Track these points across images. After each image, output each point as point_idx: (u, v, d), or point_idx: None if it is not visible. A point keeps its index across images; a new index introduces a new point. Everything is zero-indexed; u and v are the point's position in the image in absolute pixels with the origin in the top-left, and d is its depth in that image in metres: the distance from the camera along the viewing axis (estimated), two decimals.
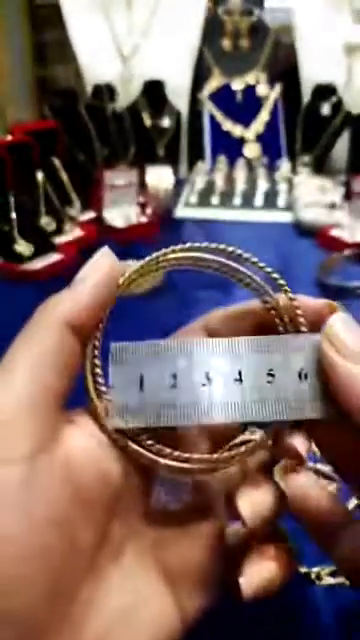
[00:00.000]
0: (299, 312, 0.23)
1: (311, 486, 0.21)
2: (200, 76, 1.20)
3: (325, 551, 0.22)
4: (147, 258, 0.23)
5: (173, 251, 0.24)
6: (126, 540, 0.22)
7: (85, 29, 1.16)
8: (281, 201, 1.00)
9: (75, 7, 1.16)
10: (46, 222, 0.79)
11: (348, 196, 0.89)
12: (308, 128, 1.13)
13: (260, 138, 1.17)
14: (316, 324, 0.23)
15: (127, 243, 0.82)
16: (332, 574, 0.32)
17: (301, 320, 0.23)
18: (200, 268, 0.24)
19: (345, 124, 1.10)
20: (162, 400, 0.21)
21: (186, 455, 0.22)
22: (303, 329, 0.23)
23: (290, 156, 1.14)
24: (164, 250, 0.23)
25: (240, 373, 0.22)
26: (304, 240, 0.85)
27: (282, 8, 1.24)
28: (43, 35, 1.42)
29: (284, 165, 1.09)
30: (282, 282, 0.23)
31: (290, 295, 0.23)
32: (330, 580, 0.32)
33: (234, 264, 0.24)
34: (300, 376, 0.22)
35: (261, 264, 0.23)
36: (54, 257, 0.75)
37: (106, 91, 1.07)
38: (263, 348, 0.22)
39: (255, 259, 0.23)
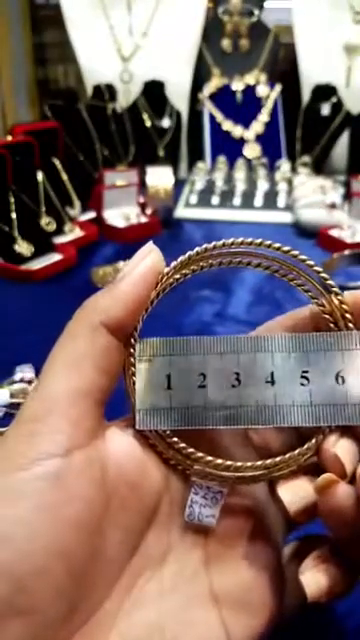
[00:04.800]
0: (346, 308, 0.21)
1: (347, 504, 0.19)
2: (200, 76, 1.20)
3: (352, 559, 0.21)
4: (187, 254, 0.22)
5: (214, 247, 0.22)
6: (168, 553, 0.21)
7: (85, 29, 1.16)
8: (281, 201, 1.00)
9: (75, 7, 1.16)
10: (46, 222, 0.79)
11: (348, 196, 0.89)
12: (308, 128, 1.13)
13: (260, 138, 1.17)
14: None
15: (127, 243, 0.83)
16: None
17: (349, 317, 0.21)
18: (247, 267, 0.22)
19: (345, 124, 1.10)
20: (190, 401, 0.20)
21: (220, 461, 0.21)
22: (351, 327, 0.21)
23: (290, 156, 1.14)
24: (205, 245, 0.22)
25: (272, 374, 0.21)
26: (304, 240, 0.85)
27: (282, 8, 1.24)
28: (43, 36, 1.42)
29: (284, 165, 1.09)
30: (331, 282, 0.21)
31: (339, 294, 0.21)
32: None
33: (286, 263, 0.22)
34: (337, 379, 0.20)
35: (311, 262, 0.22)
36: (54, 257, 0.75)
37: (106, 91, 1.07)
38: (298, 348, 0.21)
39: (306, 258, 0.22)
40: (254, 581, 0.22)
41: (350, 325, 0.21)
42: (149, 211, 0.89)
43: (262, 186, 1.04)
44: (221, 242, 0.22)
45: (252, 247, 0.22)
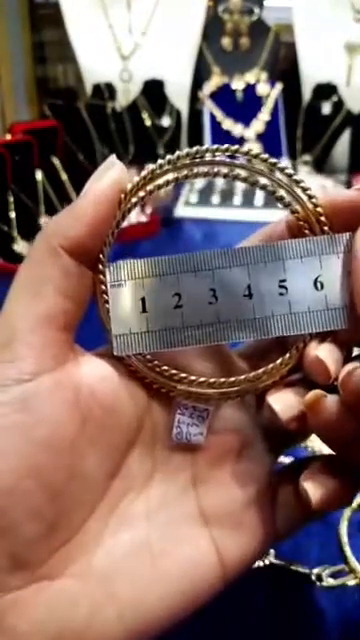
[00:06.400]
0: (320, 211, 0.20)
1: (336, 417, 0.19)
2: (200, 75, 1.20)
3: (350, 466, 0.21)
4: (149, 168, 0.20)
5: (179, 157, 0.20)
6: (154, 475, 0.21)
7: (85, 28, 1.16)
8: None
9: (75, 6, 1.16)
10: (45, 222, 0.79)
11: None
12: (309, 127, 1.13)
13: (260, 137, 1.17)
14: (352, 222, 0.20)
15: (127, 243, 0.82)
16: (333, 575, 0.32)
17: (323, 220, 0.20)
18: (216, 177, 0.21)
19: (346, 123, 1.10)
20: (167, 322, 0.20)
21: (203, 379, 0.20)
22: (326, 231, 0.20)
23: (291, 155, 1.14)
24: (169, 157, 0.20)
25: (249, 287, 0.20)
26: None
27: (282, 7, 1.24)
28: (42, 34, 1.42)
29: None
30: (304, 186, 0.20)
31: (312, 197, 0.20)
32: (331, 581, 0.32)
33: (257, 169, 0.21)
34: (316, 284, 0.20)
35: (281, 166, 0.21)
36: None
37: (106, 90, 1.07)
38: (274, 257, 0.20)
39: (277, 161, 0.21)
40: (244, 500, 0.22)
41: (325, 229, 0.20)
42: (149, 210, 0.89)
43: None
44: (183, 153, 0.21)
45: (218, 155, 0.21)
